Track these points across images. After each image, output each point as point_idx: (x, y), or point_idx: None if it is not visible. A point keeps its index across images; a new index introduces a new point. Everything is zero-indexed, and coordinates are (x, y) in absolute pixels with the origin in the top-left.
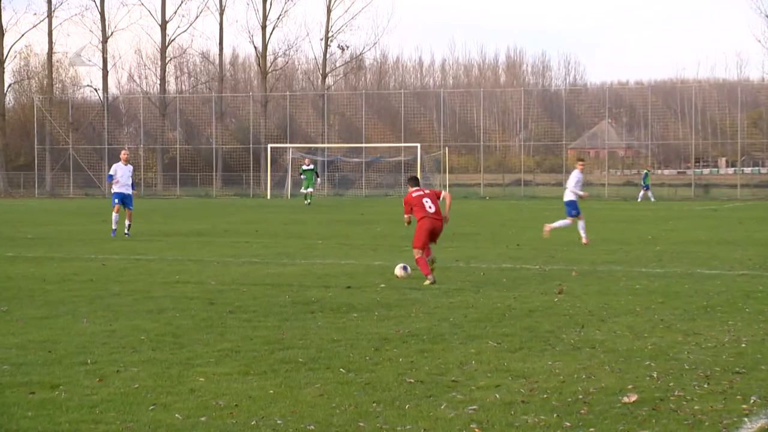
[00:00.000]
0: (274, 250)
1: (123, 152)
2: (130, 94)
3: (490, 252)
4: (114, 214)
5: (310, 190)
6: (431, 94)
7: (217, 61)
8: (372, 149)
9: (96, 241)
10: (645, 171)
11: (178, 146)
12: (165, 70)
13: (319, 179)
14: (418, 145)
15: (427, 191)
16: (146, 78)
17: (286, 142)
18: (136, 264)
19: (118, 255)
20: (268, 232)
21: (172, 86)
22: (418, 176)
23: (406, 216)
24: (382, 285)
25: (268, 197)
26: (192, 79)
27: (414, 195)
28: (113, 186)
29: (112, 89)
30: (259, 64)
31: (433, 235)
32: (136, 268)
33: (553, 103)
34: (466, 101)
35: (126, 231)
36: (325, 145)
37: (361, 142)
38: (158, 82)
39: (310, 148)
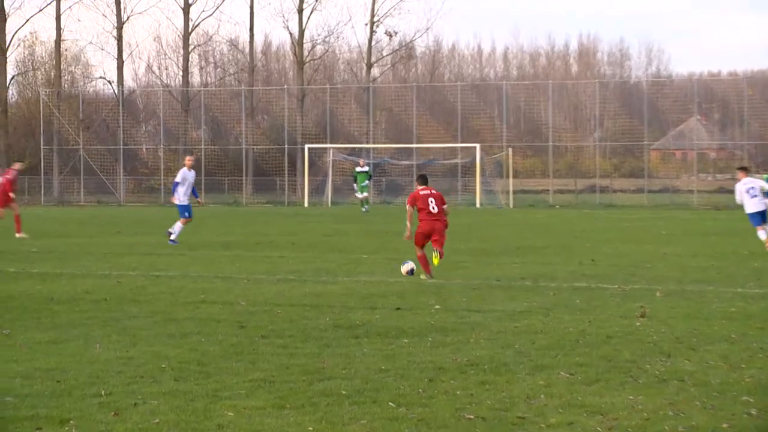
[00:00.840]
0: (313, 266)
1: (188, 158)
2: (149, 87)
3: (561, 269)
4: (181, 225)
5: (365, 195)
6: (492, 87)
7: (247, 50)
8: (424, 150)
9: (110, 256)
10: (766, 176)
11: (203, 147)
12: (188, 60)
13: (368, 182)
14: (477, 145)
15: (434, 192)
16: (167, 69)
17: (326, 142)
18: (155, 281)
19: (135, 271)
20: (306, 245)
21: (196, 78)
22: (477, 178)
23: (408, 208)
24: (437, 306)
25: (306, 205)
26: (219, 70)
27: (421, 193)
28: (178, 195)
29: (128, 82)
30: (294, 53)
31: (432, 235)
32: (155, 286)
33: (632, 96)
34: (532, 95)
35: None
36: (370, 146)
37: (412, 142)
38: (180, 73)
39: (353, 149)
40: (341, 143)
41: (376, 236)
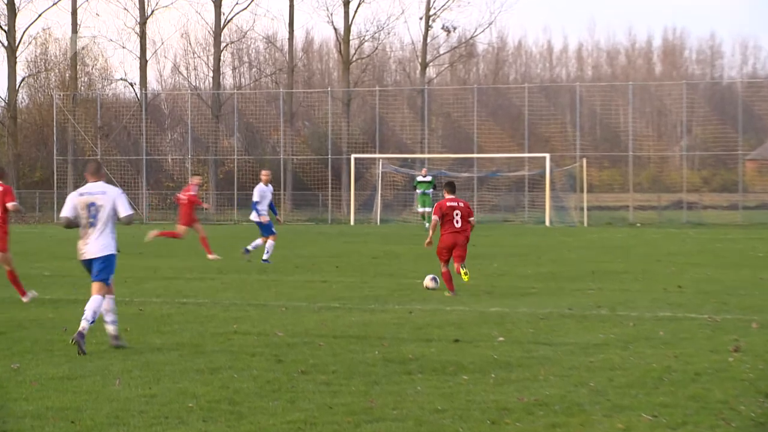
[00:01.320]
0: (360, 293)
1: (264, 172)
2: (175, 90)
3: (643, 296)
4: (272, 243)
5: (427, 209)
6: (564, 90)
7: (285, 48)
8: (486, 161)
9: (132, 280)
10: None
11: (235, 157)
12: (219, 60)
13: (432, 191)
14: (547, 155)
15: (461, 203)
16: (195, 69)
17: (375, 152)
18: (182, 309)
19: (159, 297)
20: (352, 269)
21: (228, 80)
22: (547, 193)
23: (434, 218)
24: (501, 338)
25: (352, 222)
26: (254, 70)
27: (448, 204)
28: (261, 214)
29: (152, 84)
30: (340, 51)
31: (455, 249)
32: (182, 315)
33: (725, 100)
34: (609, 98)
35: (247, 252)
36: (426, 156)
37: (472, 152)
38: (211, 74)
39: (406, 159)
40: (392, 153)
41: (432, 259)
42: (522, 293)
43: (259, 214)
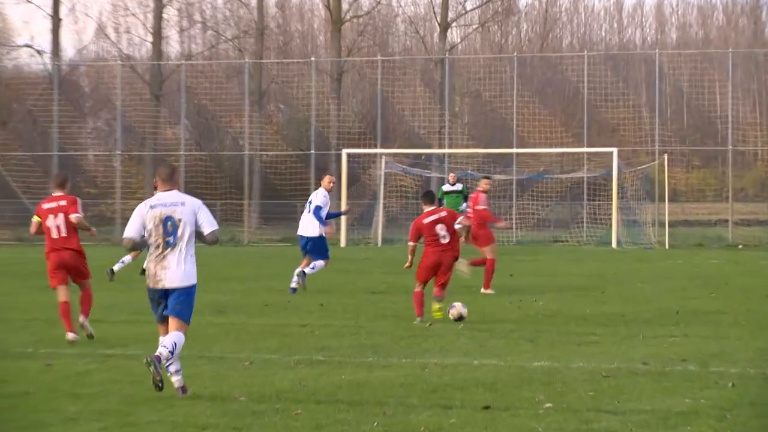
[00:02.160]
0: (354, 341)
1: (327, 177)
2: (100, 60)
3: (746, 346)
4: (323, 264)
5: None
6: (638, 60)
7: (253, 3)
8: (530, 158)
9: (37, 323)
10: None
11: (182, 152)
12: (161, 19)
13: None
14: (614, 150)
15: (443, 213)
16: (128, 32)
17: (375, 145)
18: (106, 364)
19: (74, 347)
20: (343, 307)
21: (173, 47)
22: (614, 202)
23: (410, 244)
24: (548, 404)
25: (343, 243)
26: (209, 34)
27: (425, 221)
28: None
29: (69, 52)
30: (328, 7)
31: (439, 269)
32: (105, 372)
33: None
34: (701, 72)
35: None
36: (446, 151)
37: (510, 146)
38: (149, 39)
39: (419, 156)
40: (399, 147)
41: (453, 293)
42: (578, 342)
43: (322, 223)
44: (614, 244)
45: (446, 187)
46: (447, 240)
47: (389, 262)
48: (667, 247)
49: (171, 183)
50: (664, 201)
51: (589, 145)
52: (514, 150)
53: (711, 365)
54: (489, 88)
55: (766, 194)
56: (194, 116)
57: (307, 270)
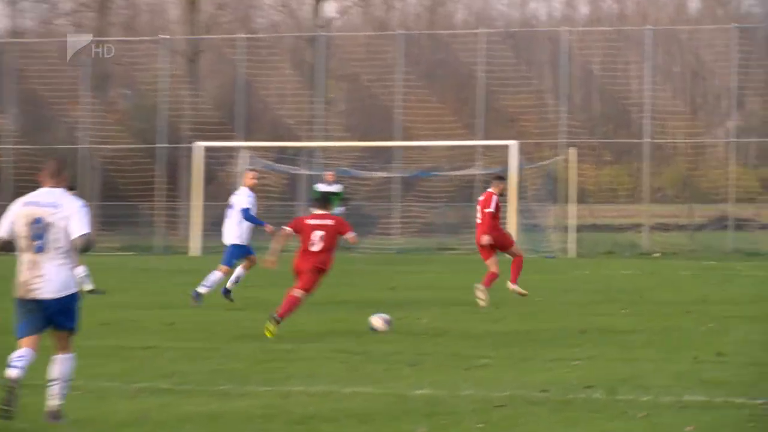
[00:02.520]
0: (206, 365)
1: (250, 173)
2: None
3: (661, 369)
4: (221, 276)
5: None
6: (540, 39)
7: None
8: (416, 153)
9: None
10: None
11: (10, 146)
12: None
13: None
14: (513, 143)
15: (329, 223)
16: None
17: (237, 138)
18: None
19: None
20: (195, 327)
21: None
22: (513, 204)
23: (287, 230)
24: None
25: (197, 252)
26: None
27: (308, 222)
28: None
29: None
30: None
31: (303, 275)
32: None
33: None
34: (615, 53)
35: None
36: (318, 144)
37: (393, 138)
38: None
39: (287, 150)
40: (264, 140)
41: (323, 310)
42: (467, 366)
43: (256, 223)
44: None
45: (322, 187)
46: (318, 248)
47: (249, 274)
48: (572, 255)
49: (57, 180)
50: (570, 202)
51: (485, 138)
52: (397, 143)
53: (620, 392)
54: (369, 71)
55: (687, 195)
56: (22, 103)
57: (228, 284)
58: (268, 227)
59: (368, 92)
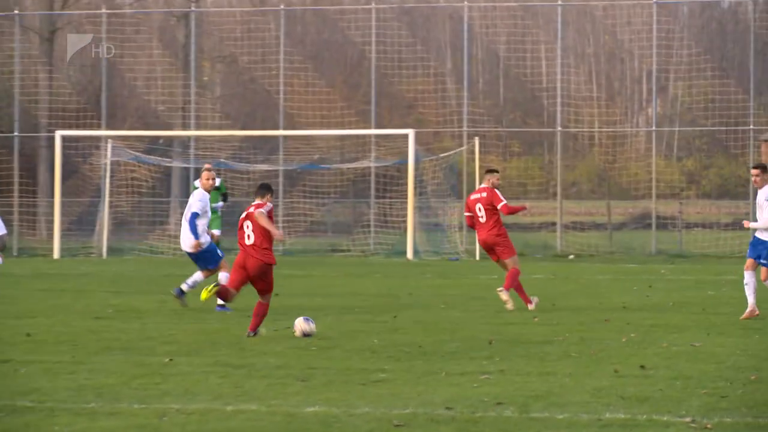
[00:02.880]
0: (72, 382)
1: (206, 172)
2: None
3: (577, 385)
4: (202, 277)
5: (216, 232)
6: (439, 16)
7: None
8: (302, 143)
9: None
10: None
11: None
12: None
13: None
14: (410, 131)
15: (258, 210)
16: None
17: (100, 126)
18: None
19: None
20: (57, 338)
21: None
22: (410, 201)
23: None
24: None
25: (56, 254)
26: None
27: (246, 212)
28: (199, 233)
29: None
30: None
31: (249, 274)
32: None
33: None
34: (522, 30)
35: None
36: (192, 133)
37: (276, 127)
38: None
39: (158, 140)
40: (131, 128)
41: (198, 319)
42: (363, 381)
43: (194, 234)
44: (410, 255)
45: (200, 182)
46: (251, 240)
47: (118, 278)
48: (477, 258)
49: None
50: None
51: (378, 126)
52: (281, 132)
53: (533, 410)
54: (248, 51)
55: (604, 190)
56: None
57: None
58: (213, 234)
59: (248, 75)
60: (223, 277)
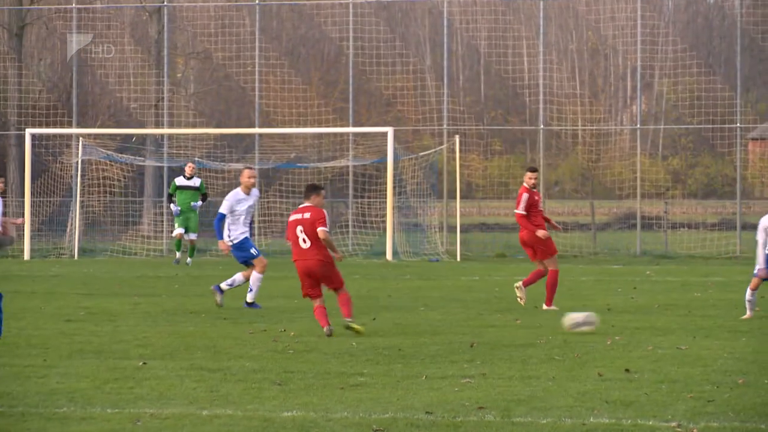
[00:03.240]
0: (42, 385)
1: (248, 170)
2: None
3: (561, 389)
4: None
5: (193, 236)
6: (419, 11)
7: None
8: (278, 141)
9: None
10: None
11: None
12: None
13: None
14: (389, 130)
15: (305, 215)
16: None
17: (71, 124)
18: None
19: None
20: (27, 341)
21: None
22: (389, 200)
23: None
24: None
25: (26, 255)
26: None
27: (291, 218)
28: (226, 233)
29: None
30: None
31: (314, 279)
32: None
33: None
34: (503, 25)
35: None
36: (165, 131)
37: (252, 125)
38: None
39: (130, 138)
40: (102, 126)
41: (172, 321)
42: (341, 385)
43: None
44: (389, 256)
45: (180, 181)
46: (308, 245)
47: (90, 280)
48: (458, 259)
49: None
50: (455, 199)
51: (357, 124)
52: (256, 130)
53: (516, 414)
54: (223, 47)
55: (587, 189)
56: None
57: (224, 285)
58: (222, 245)
59: (222, 72)
60: (254, 278)
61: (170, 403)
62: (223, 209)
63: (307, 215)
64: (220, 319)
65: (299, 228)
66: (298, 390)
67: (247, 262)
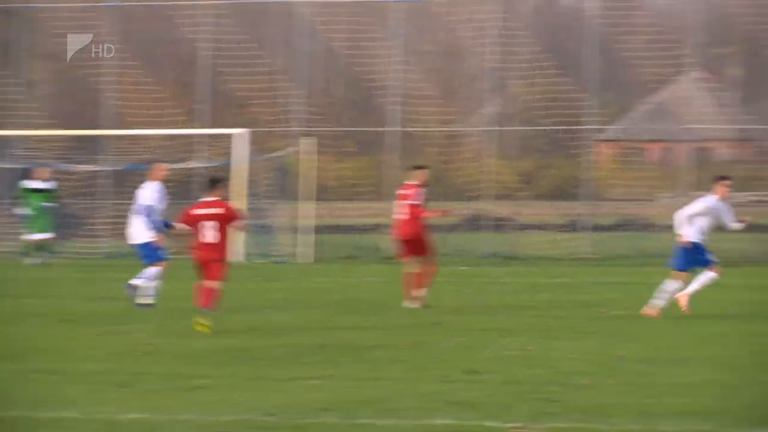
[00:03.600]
0: None
1: (162, 164)
2: None
3: (408, 390)
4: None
5: (48, 235)
6: (271, 12)
7: None
8: (128, 143)
9: None
10: None
11: None
12: None
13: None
14: (241, 132)
15: (217, 210)
16: None
17: None
18: None
19: None
20: None
21: None
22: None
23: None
24: None
25: None
26: None
27: (194, 212)
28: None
29: None
30: None
31: (208, 270)
32: None
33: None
34: (357, 27)
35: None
36: (12, 132)
37: (105, 126)
38: None
39: None
40: None
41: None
42: (186, 387)
43: (153, 228)
44: (241, 257)
45: (31, 184)
46: (211, 240)
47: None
48: (309, 260)
49: None
50: (306, 199)
51: (208, 125)
52: (106, 132)
53: (359, 416)
54: (75, 47)
55: (441, 191)
56: None
57: (135, 281)
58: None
59: (75, 73)
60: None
61: (11, 407)
62: (152, 201)
63: (220, 210)
64: (66, 321)
65: (211, 223)
66: (143, 392)
67: (152, 264)
